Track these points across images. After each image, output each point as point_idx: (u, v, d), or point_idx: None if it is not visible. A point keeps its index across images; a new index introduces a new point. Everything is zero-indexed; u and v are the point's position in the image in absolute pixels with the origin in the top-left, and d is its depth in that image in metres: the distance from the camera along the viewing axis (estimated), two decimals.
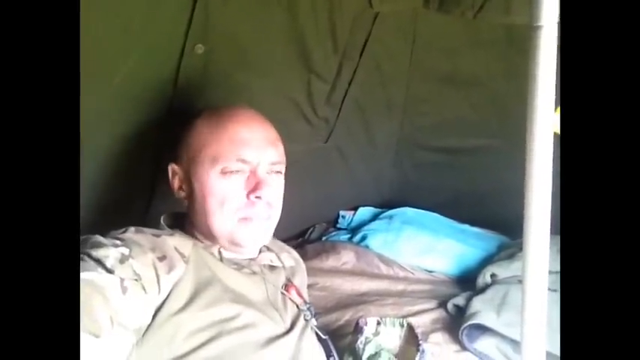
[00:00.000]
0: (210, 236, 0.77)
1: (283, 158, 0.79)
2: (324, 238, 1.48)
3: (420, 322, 1.04)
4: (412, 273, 1.29)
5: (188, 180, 0.78)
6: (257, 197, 0.74)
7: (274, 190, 0.77)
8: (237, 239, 0.75)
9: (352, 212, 1.58)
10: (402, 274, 1.29)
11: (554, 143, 0.56)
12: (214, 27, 0.85)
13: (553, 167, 0.56)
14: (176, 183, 0.80)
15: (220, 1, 0.84)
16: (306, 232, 1.53)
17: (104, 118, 0.83)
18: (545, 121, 0.55)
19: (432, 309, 1.11)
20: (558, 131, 0.55)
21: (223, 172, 0.73)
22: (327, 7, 1.01)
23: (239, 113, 0.78)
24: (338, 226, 1.56)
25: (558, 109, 0.55)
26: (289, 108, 1.14)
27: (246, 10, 0.90)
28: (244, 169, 0.74)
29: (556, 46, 0.54)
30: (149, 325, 0.63)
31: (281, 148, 0.79)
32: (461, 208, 1.47)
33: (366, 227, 1.45)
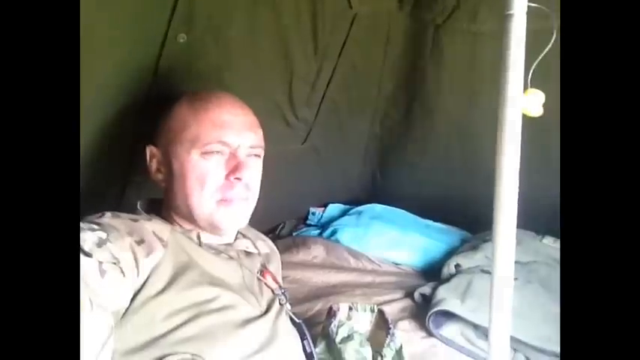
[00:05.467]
0: (190, 218, 0.77)
1: (262, 143, 0.81)
2: (294, 234, 1.50)
3: (389, 311, 1.07)
4: (380, 265, 1.34)
5: (167, 161, 0.78)
6: (236, 178, 0.75)
7: (253, 172, 0.79)
8: (216, 221, 0.76)
9: (322, 209, 1.61)
10: (370, 266, 1.34)
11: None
12: (198, 18, 0.86)
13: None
14: (154, 165, 0.80)
15: None
16: (276, 228, 1.55)
17: (88, 107, 0.82)
18: (515, 103, 0.60)
19: (399, 299, 1.16)
20: (528, 113, 0.59)
21: (204, 153, 0.74)
22: (310, 8, 1.04)
23: (220, 97, 0.79)
24: (308, 222, 1.59)
25: (527, 90, 0.60)
26: (270, 110, 1.15)
27: (232, 6, 0.91)
28: (224, 151, 0.76)
29: (524, 34, 0.58)
30: (128, 308, 0.64)
31: (260, 133, 0.81)
32: (426, 205, 1.52)
33: (335, 222, 1.48)
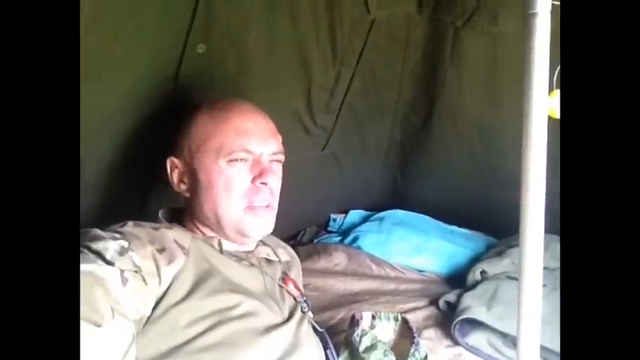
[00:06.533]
0: (217, 226, 0.78)
1: (282, 149, 0.82)
2: (315, 241, 1.50)
3: (413, 319, 1.05)
4: (403, 273, 1.32)
5: (191, 172, 0.79)
6: (262, 183, 0.76)
7: (277, 177, 0.80)
8: (244, 228, 0.77)
9: (343, 215, 1.61)
10: (393, 273, 1.32)
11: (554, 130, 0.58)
12: (216, 28, 0.87)
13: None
14: (176, 176, 0.81)
15: (223, 2, 0.86)
16: (297, 235, 1.55)
17: (109, 117, 0.84)
18: (539, 105, 0.58)
19: (423, 307, 1.14)
20: (554, 115, 0.58)
21: (229, 161, 0.75)
22: (328, 15, 1.04)
23: (241, 105, 0.80)
24: (329, 229, 1.58)
25: (553, 92, 0.58)
26: (289, 118, 1.16)
27: (250, 15, 0.92)
28: (248, 159, 0.77)
29: (549, 33, 0.57)
30: (150, 316, 0.64)
31: (280, 140, 0.82)
32: (448, 210, 1.50)
33: (357, 229, 1.47)
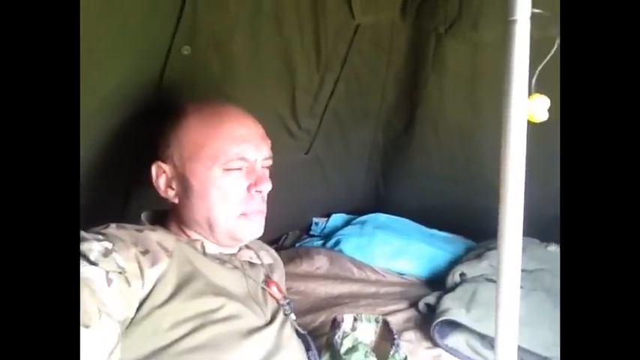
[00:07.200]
0: (207, 231, 0.78)
1: (271, 153, 0.82)
2: (297, 245, 1.50)
3: (393, 322, 1.05)
4: (384, 276, 1.33)
5: (181, 178, 0.77)
6: (257, 191, 0.77)
7: (269, 184, 0.80)
8: (237, 234, 0.78)
9: (325, 219, 1.61)
10: (374, 277, 1.33)
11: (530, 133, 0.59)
12: (202, 30, 0.87)
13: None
14: (163, 182, 0.78)
15: (209, 4, 0.85)
16: (279, 239, 1.55)
17: (91, 118, 0.83)
18: (519, 110, 0.60)
19: (403, 309, 1.15)
20: (533, 119, 0.59)
21: (225, 170, 0.75)
22: (312, 20, 1.05)
23: (232, 111, 0.80)
24: (311, 232, 1.59)
25: (532, 96, 0.60)
26: (273, 120, 1.16)
27: (235, 18, 0.92)
28: (244, 167, 0.77)
29: (528, 40, 0.59)
30: (133, 318, 0.64)
31: (269, 144, 0.82)
32: (429, 214, 1.52)
33: (339, 232, 1.48)
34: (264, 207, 0.80)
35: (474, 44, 1.20)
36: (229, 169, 0.76)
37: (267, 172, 0.80)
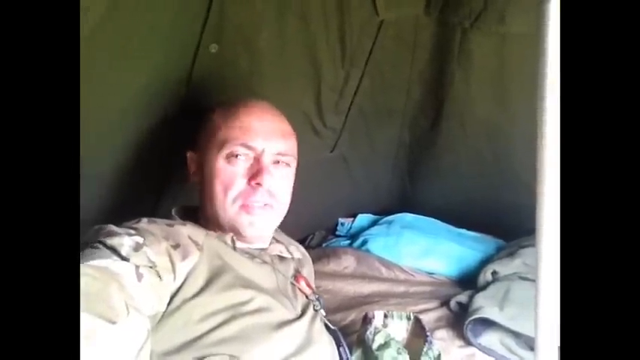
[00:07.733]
0: (216, 222, 0.78)
1: (293, 152, 0.81)
2: (324, 245, 1.49)
3: (424, 320, 1.04)
4: (413, 275, 1.31)
5: (201, 166, 0.80)
6: (257, 184, 0.75)
7: (277, 179, 0.77)
8: (237, 227, 0.76)
9: (351, 219, 1.60)
10: (403, 276, 1.31)
11: None
12: (229, 28, 0.88)
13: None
14: (192, 169, 0.83)
15: (236, 2, 0.87)
16: (305, 239, 1.54)
17: (122, 117, 0.85)
18: (554, 98, 0.58)
19: (434, 308, 1.13)
20: None
21: (228, 157, 0.76)
22: (338, 16, 1.05)
23: (253, 104, 0.81)
24: (337, 233, 1.57)
25: None
26: (298, 118, 1.15)
27: (262, 15, 0.92)
28: (249, 156, 0.76)
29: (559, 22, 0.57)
30: (164, 311, 0.64)
31: (292, 142, 0.81)
32: (457, 213, 1.49)
33: (366, 232, 1.46)
34: (270, 202, 0.77)
35: (500, 36, 1.17)
36: (232, 156, 0.75)
37: (279, 169, 0.78)
